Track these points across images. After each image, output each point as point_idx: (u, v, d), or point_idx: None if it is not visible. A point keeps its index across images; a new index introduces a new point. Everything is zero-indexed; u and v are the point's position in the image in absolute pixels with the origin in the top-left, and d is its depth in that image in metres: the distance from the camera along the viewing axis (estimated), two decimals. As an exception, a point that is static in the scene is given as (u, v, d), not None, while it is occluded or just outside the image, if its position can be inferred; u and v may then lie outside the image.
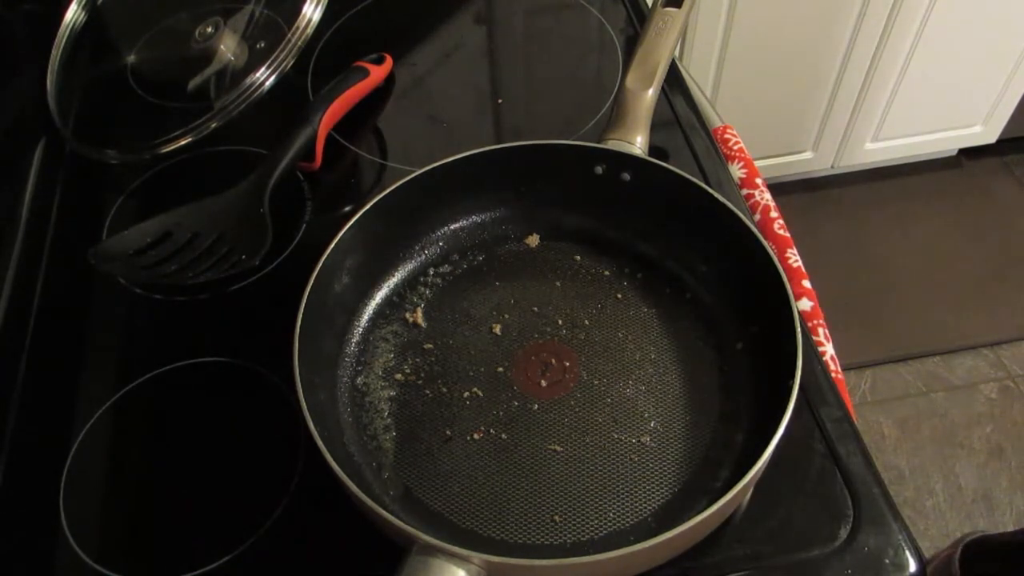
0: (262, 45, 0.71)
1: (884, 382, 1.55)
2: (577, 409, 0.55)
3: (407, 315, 0.60)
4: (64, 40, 0.76)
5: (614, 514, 0.50)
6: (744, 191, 0.74)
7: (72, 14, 0.77)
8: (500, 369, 0.57)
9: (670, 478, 0.52)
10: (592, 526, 0.50)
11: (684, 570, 0.48)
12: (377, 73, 0.73)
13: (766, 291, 0.53)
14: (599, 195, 0.61)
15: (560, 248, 0.64)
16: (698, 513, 0.44)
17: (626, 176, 0.60)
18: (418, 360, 0.58)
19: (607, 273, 0.61)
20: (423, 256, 0.63)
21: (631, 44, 0.75)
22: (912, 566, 0.49)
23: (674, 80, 0.76)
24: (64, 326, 0.64)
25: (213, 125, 0.67)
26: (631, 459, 0.52)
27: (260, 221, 0.62)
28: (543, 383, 0.56)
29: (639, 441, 0.53)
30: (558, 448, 0.53)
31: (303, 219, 0.67)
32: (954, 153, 1.88)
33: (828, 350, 0.65)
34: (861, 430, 0.55)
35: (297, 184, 0.69)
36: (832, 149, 1.70)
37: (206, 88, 0.72)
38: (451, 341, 0.59)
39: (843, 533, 0.50)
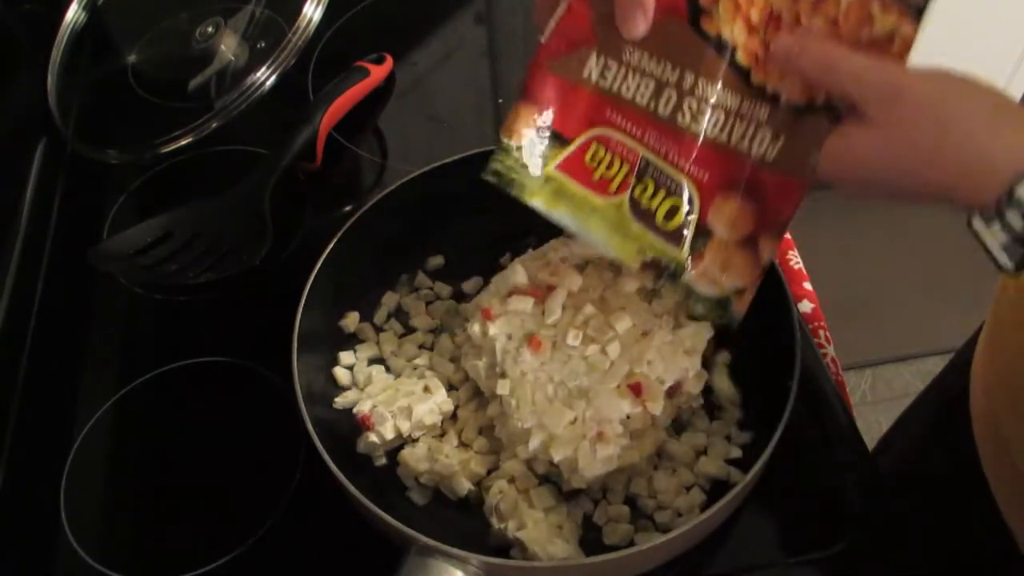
0: (262, 45, 0.71)
1: (884, 382, 1.54)
2: (577, 409, 0.54)
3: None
4: (64, 40, 0.76)
5: (614, 514, 0.50)
6: (744, 191, 0.74)
7: (72, 14, 0.77)
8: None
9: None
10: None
11: (685, 571, 0.48)
12: (377, 73, 0.73)
13: (766, 292, 0.53)
14: (599, 195, 0.61)
15: (560, 248, 0.63)
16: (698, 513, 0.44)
17: (626, 176, 0.60)
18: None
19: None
20: (423, 256, 0.63)
21: (631, 44, 0.75)
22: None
23: (674, 80, 0.75)
24: (64, 326, 0.64)
25: (213, 125, 0.67)
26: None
27: (260, 221, 0.62)
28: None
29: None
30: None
31: (303, 219, 0.67)
32: (954, 153, 1.88)
33: (830, 352, 0.65)
34: (861, 430, 0.55)
35: (297, 184, 0.69)
36: (832, 149, 1.69)
37: (206, 88, 0.72)
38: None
39: (843, 534, 0.50)
